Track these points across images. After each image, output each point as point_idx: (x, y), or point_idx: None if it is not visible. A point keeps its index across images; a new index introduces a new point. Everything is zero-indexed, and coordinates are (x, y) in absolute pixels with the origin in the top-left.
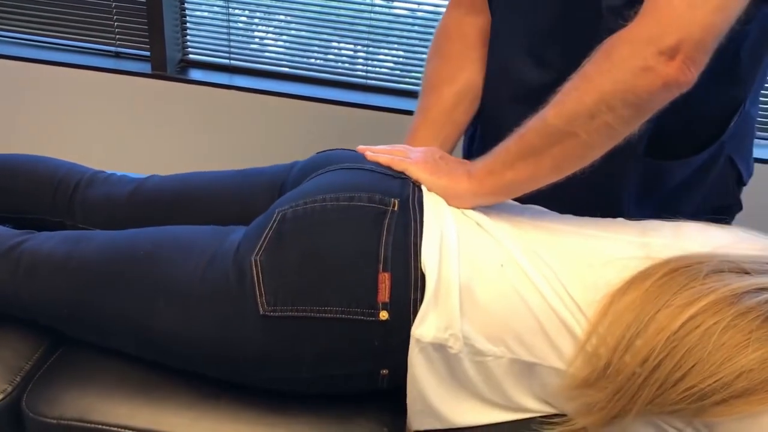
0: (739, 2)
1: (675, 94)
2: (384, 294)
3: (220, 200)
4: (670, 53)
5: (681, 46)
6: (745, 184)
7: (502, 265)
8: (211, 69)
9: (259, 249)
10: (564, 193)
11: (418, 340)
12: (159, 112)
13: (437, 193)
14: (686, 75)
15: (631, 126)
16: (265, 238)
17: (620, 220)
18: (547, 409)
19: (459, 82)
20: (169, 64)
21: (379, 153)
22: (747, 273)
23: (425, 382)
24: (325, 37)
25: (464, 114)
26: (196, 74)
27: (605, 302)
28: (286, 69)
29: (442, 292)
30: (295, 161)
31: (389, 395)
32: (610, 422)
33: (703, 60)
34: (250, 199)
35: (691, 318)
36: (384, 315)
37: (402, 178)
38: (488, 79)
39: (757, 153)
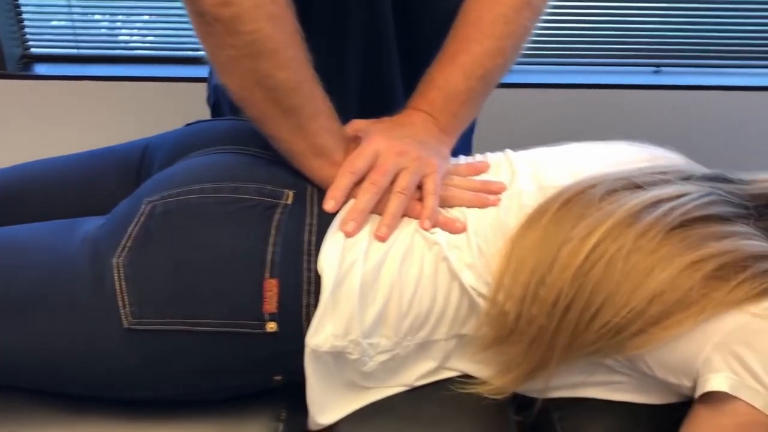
0: None
1: None
2: (271, 303)
3: (61, 188)
4: None
5: None
6: None
7: (411, 246)
8: (58, 61)
9: (122, 249)
10: None
11: (313, 350)
12: (4, 112)
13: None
14: None
15: None
16: (130, 235)
17: (508, 152)
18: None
19: None
20: (8, 61)
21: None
22: (640, 187)
23: (324, 389)
24: (175, 12)
25: None
26: (41, 69)
27: (506, 250)
28: (142, 51)
29: (342, 295)
30: (149, 137)
31: (286, 388)
32: (531, 376)
33: None
34: (97, 183)
35: (594, 249)
36: (272, 326)
37: None
38: None
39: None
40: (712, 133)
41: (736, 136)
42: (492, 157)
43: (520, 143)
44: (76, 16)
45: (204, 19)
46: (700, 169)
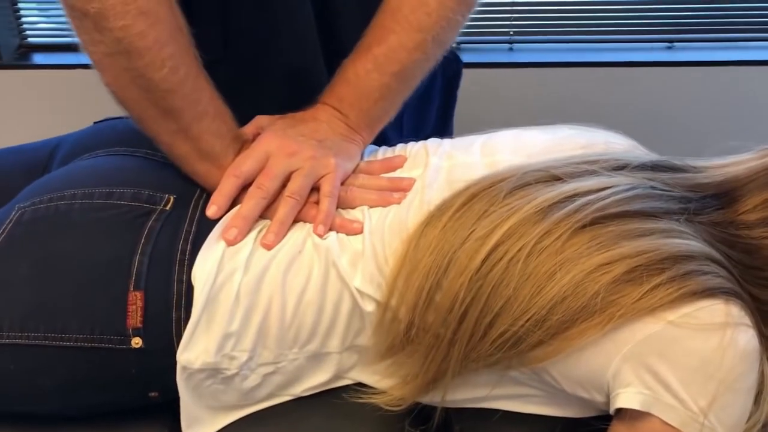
0: None
1: None
2: (135, 318)
3: None
4: None
5: None
6: None
7: (300, 252)
8: (55, 50)
9: None
10: None
11: (184, 367)
12: (2, 102)
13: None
14: None
15: None
16: None
17: (429, 142)
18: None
19: None
20: (4, 51)
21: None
22: (559, 179)
23: (199, 406)
24: None
25: None
26: (39, 58)
27: (401, 251)
28: None
29: (217, 307)
30: (64, 135)
31: (170, 403)
32: (427, 389)
33: None
34: (5, 185)
35: (493, 249)
36: (137, 342)
37: None
38: None
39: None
40: (727, 111)
41: (753, 114)
42: (411, 150)
43: (527, 124)
44: None
45: (74, 14)
46: (641, 158)
